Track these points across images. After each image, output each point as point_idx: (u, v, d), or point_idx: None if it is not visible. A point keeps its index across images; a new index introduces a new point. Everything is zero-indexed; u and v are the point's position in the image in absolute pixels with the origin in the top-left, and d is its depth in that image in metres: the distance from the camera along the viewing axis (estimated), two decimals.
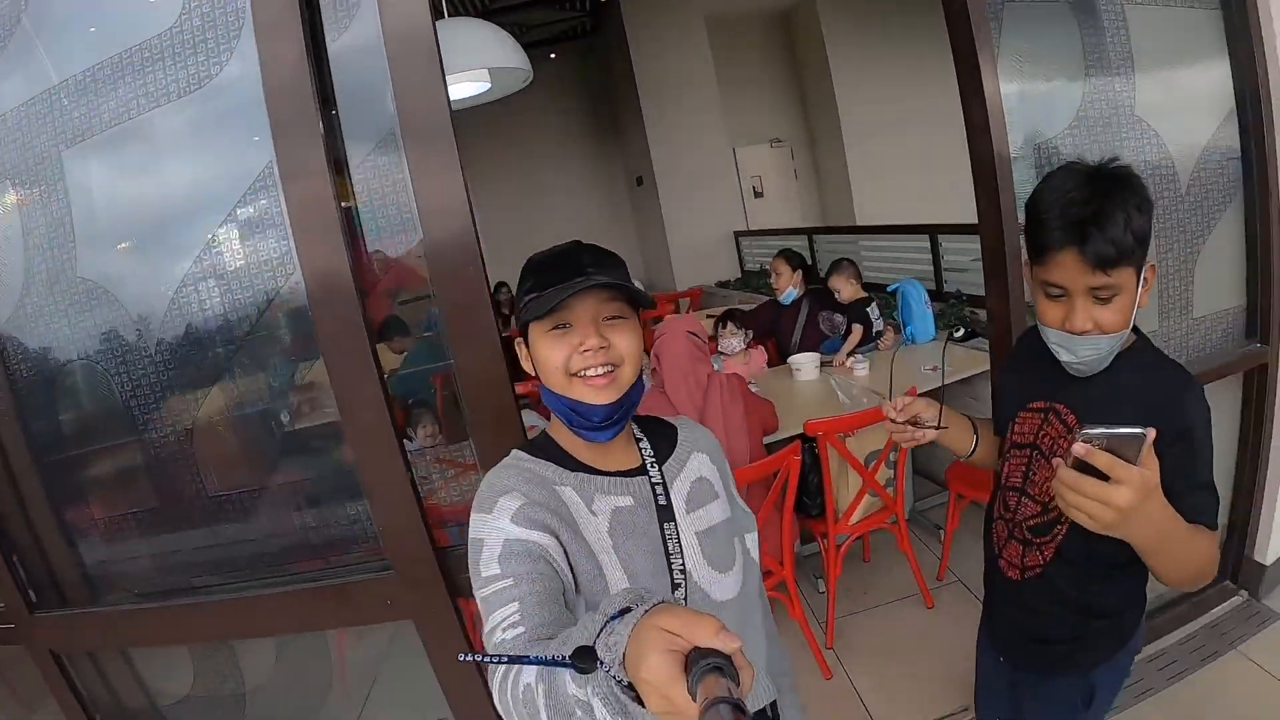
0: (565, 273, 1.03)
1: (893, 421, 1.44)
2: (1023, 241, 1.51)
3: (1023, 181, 2.16)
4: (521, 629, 0.89)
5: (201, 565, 2.15)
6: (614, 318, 1.06)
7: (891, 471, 2.89)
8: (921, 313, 3.82)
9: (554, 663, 0.72)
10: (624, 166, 9.26)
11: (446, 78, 1.74)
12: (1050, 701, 1.49)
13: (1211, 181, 2.39)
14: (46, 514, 2.21)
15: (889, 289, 4.11)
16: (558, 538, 1.02)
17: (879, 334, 3.85)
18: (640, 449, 1.18)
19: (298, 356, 1.97)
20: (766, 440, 2.90)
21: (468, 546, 1.03)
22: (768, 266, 7.45)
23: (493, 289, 7.08)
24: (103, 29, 1.89)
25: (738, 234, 8.35)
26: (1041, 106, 2.22)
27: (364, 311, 1.77)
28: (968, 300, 4.44)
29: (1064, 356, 1.24)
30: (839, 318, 3.92)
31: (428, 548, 1.92)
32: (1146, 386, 1.23)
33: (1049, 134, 2.24)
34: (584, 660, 0.70)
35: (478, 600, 0.97)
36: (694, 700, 0.60)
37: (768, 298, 4.27)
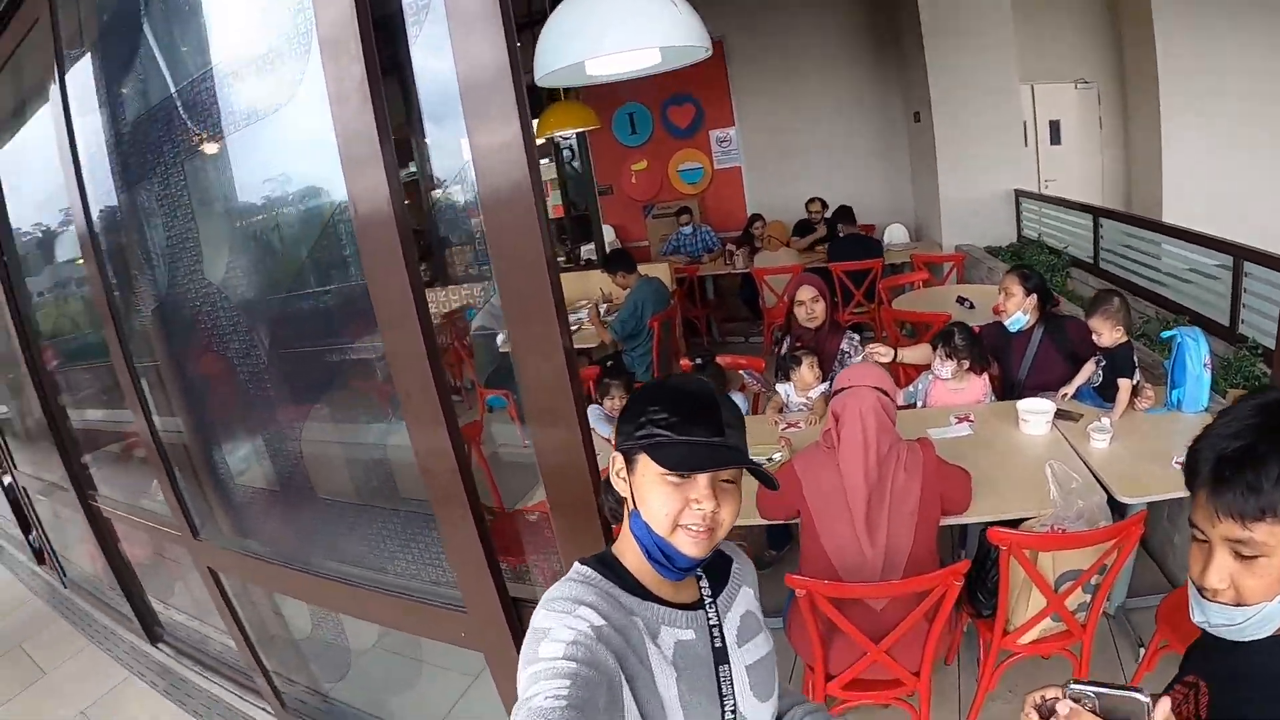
0: (706, 424, 1.05)
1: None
2: None
3: None
4: (563, 703, 0.86)
5: (316, 545, 2.49)
6: (727, 481, 1.07)
7: (1089, 597, 2.33)
8: (1197, 375, 3.00)
9: None
10: (902, 97, 8.07)
11: (613, 52, 1.75)
12: None
13: None
14: (207, 470, 2.79)
15: (1162, 335, 3.31)
16: (623, 666, 0.99)
17: (1137, 386, 3.10)
18: (700, 586, 1.18)
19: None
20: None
21: (528, 633, 1.00)
22: (1045, 239, 6.60)
23: (748, 221, 6.69)
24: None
25: (1019, 193, 7.19)
26: None
27: (435, 376, 1.66)
28: (1263, 355, 3.56)
29: (1196, 617, 1.00)
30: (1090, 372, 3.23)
31: (495, 600, 1.89)
32: None
33: None
34: None
35: (522, 678, 0.94)
36: None
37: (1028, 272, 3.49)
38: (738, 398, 3.84)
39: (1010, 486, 2.64)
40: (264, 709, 3.31)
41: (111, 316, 2.75)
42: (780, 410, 3.56)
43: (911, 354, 3.68)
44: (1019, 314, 3.38)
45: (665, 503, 1.04)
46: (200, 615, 3.71)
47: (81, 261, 2.82)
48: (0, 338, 4.12)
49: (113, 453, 3.80)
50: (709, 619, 1.14)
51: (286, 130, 1.96)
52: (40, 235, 3.60)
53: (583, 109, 6.66)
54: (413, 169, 5.33)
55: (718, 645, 1.12)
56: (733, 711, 1.10)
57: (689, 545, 1.04)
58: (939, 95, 6.99)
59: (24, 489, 5.11)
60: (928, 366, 3.52)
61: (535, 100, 7.65)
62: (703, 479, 1.03)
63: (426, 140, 2.79)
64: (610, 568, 1.11)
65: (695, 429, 1.04)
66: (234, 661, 3.44)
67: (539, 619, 1.01)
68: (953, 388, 3.42)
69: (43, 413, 3.81)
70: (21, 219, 3.63)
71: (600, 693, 0.92)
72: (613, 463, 1.13)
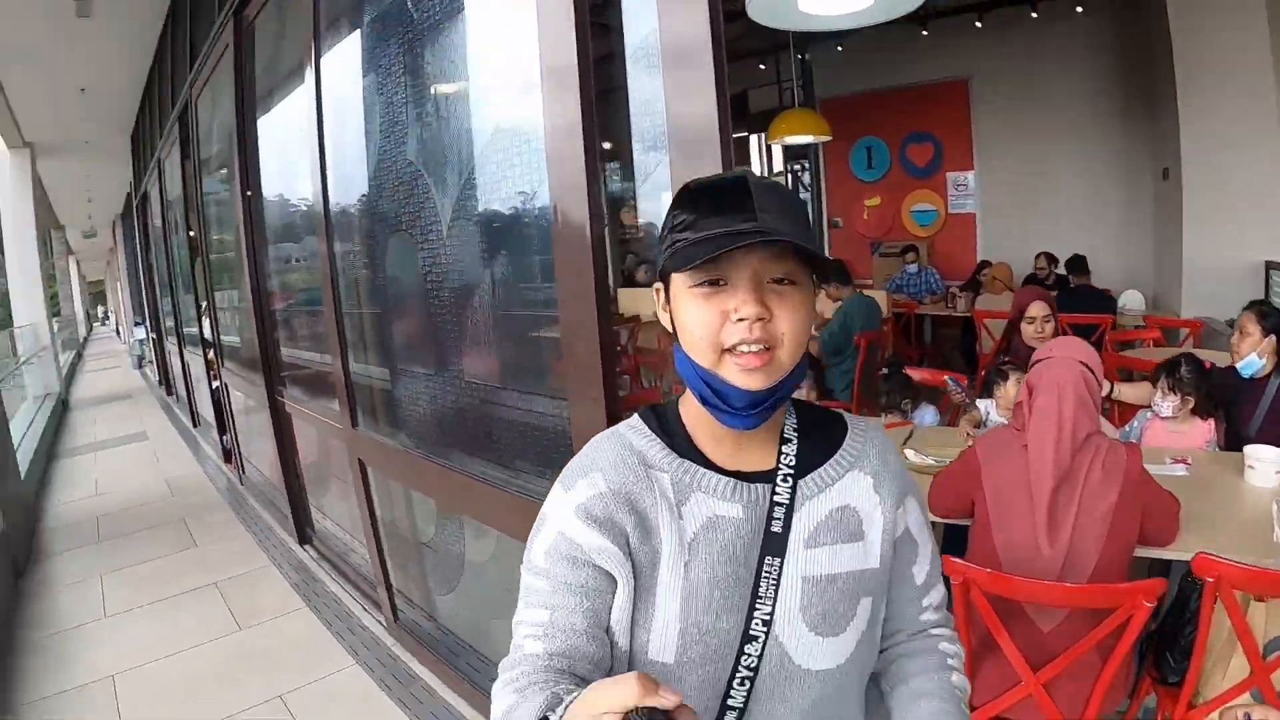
0: (729, 212, 0.79)
1: None
2: None
3: None
4: (541, 648, 0.80)
5: (455, 438, 2.62)
6: (781, 280, 0.80)
7: None
8: None
9: None
10: (1151, 155, 7.39)
11: None
12: None
13: None
14: (375, 369, 3.14)
15: None
16: (626, 539, 0.82)
17: None
18: (780, 452, 0.90)
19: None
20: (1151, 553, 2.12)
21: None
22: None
23: (976, 268, 6.44)
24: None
25: (1269, 265, 6.32)
26: None
27: (598, 291, 1.75)
28: None
29: None
30: None
31: None
32: None
33: None
34: None
35: (522, 576, 0.87)
36: None
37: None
38: (929, 409, 3.58)
39: (1225, 527, 2.24)
40: (378, 620, 3.41)
41: (330, 271, 3.16)
42: (976, 425, 3.25)
43: (1130, 391, 3.29)
44: (1253, 356, 2.96)
45: (699, 321, 0.80)
46: (351, 530, 3.88)
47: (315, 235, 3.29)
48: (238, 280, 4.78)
49: (299, 368, 4.19)
50: (775, 495, 0.87)
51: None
52: (279, 201, 4.13)
53: (815, 118, 6.55)
54: None
55: (774, 530, 0.85)
56: (764, 624, 0.83)
57: (737, 374, 0.80)
58: (1190, 153, 6.37)
59: (226, 386, 5.72)
60: (1147, 408, 3.13)
61: (769, 112, 7.69)
62: (741, 282, 0.79)
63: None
64: (660, 416, 0.92)
65: (718, 220, 0.79)
66: (365, 573, 3.57)
67: (548, 498, 0.88)
68: (1172, 429, 2.98)
69: (257, 333, 4.37)
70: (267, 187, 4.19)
71: (586, 601, 0.82)
72: (656, 297, 0.90)
